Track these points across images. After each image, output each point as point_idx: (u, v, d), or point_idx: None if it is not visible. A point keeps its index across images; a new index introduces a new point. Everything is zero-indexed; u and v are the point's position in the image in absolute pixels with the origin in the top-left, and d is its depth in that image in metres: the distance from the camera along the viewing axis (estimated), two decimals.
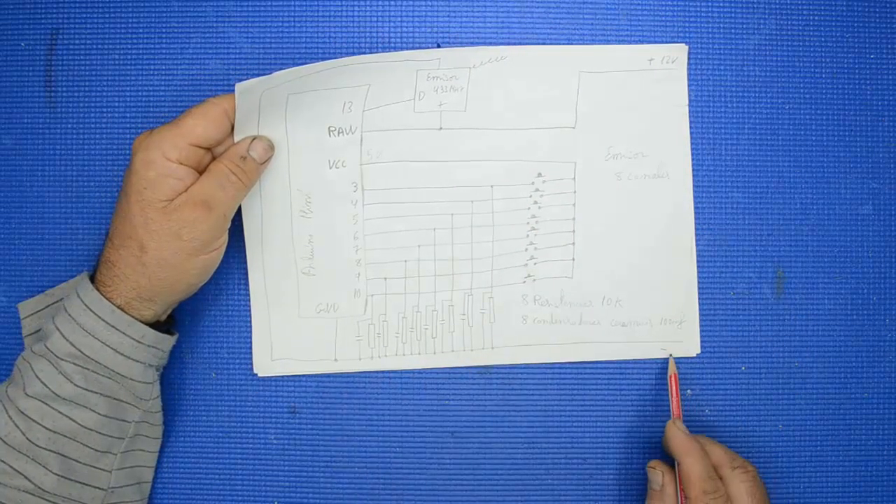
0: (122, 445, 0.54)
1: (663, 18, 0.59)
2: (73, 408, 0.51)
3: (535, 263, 0.59)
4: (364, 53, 0.58)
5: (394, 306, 0.59)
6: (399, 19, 0.59)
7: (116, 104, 0.59)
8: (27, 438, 0.51)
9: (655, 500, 0.54)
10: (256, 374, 0.59)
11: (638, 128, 0.59)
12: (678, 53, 0.58)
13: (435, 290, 0.59)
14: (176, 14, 0.59)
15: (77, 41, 0.59)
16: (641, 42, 0.59)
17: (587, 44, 0.59)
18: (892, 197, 0.60)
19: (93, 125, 0.59)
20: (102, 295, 0.52)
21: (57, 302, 0.57)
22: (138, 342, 0.52)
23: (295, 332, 0.59)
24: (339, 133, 0.57)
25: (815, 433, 0.60)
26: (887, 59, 0.60)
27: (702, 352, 0.59)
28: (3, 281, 0.59)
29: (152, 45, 0.59)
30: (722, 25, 0.60)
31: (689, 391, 0.60)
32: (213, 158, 0.53)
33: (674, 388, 0.57)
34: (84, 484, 0.52)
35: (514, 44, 0.59)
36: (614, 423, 0.59)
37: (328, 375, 0.59)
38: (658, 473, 0.54)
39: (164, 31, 0.59)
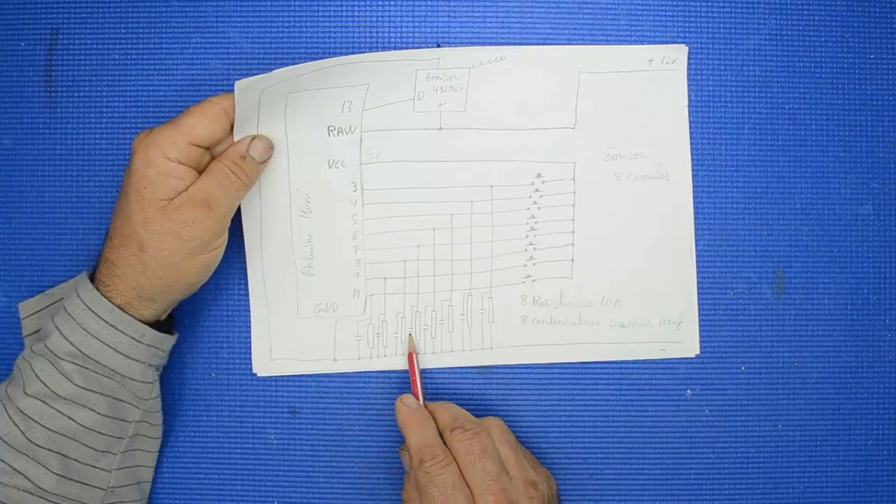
0: (122, 445, 0.54)
1: (663, 18, 0.59)
2: (73, 407, 0.51)
3: (534, 264, 0.59)
4: (364, 53, 0.58)
5: (393, 306, 0.59)
6: (399, 19, 0.59)
7: (116, 104, 0.59)
8: (27, 438, 0.51)
9: (406, 483, 0.53)
10: (256, 375, 0.59)
11: (638, 128, 0.59)
12: (678, 54, 0.58)
13: (434, 290, 0.59)
14: (176, 14, 0.59)
15: (77, 41, 0.59)
16: (641, 42, 0.59)
17: (587, 44, 0.59)
18: (892, 197, 0.60)
19: (93, 125, 0.59)
20: (102, 294, 0.52)
21: (57, 302, 0.57)
22: (138, 341, 0.52)
23: (294, 331, 0.59)
24: (338, 133, 0.57)
25: (814, 433, 0.60)
26: (887, 59, 0.60)
27: (701, 352, 0.59)
28: (3, 281, 0.59)
29: (152, 45, 0.59)
30: (722, 25, 0.60)
31: (689, 391, 0.59)
32: (213, 158, 0.53)
33: (410, 366, 0.57)
34: (84, 483, 0.52)
35: (514, 44, 0.59)
36: (614, 423, 0.59)
37: (328, 375, 0.59)
38: (406, 455, 0.53)
39: (164, 31, 0.59)
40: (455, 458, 0.51)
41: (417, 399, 0.56)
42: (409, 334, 0.59)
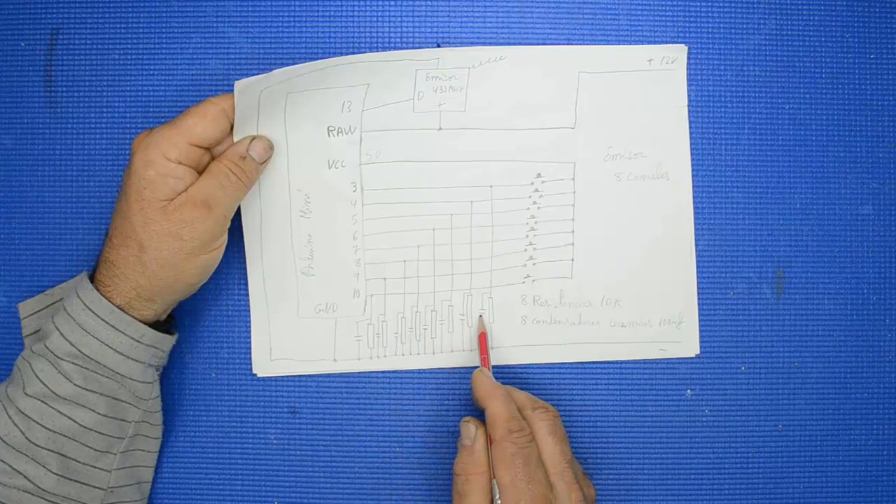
0: (122, 445, 0.54)
1: (663, 18, 0.59)
2: (73, 407, 0.51)
3: (534, 264, 0.59)
4: (364, 53, 0.58)
5: (393, 306, 0.59)
6: (399, 19, 0.59)
7: (116, 104, 0.59)
8: (27, 438, 0.51)
9: (465, 456, 0.52)
10: (256, 375, 0.59)
11: (637, 128, 0.59)
12: (677, 54, 0.58)
13: (434, 290, 0.59)
14: (176, 14, 0.59)
15: (77, 41, 0.59)
16: (641, 42, 0.59)
17: (587, 44, 0.59)
18: (892, 197, 0.60)
19: (93, 125, 0.59)
20: (102, 295, 0.52)
21: (57, 302, 0.57)
22: (137, 342, 0.52)
23: (294, 332, 0.59)
24: (338, 133, 0.57)
25: (815, 433, 0.60)
26: (887, 59, 0.60)
27: (701, 352, 0.59)
28: (3, 281, 0.59)
29: (152, 45, 0.59)
30: (722, 25, 0.60)
31: (689, 391, 0.60)
32: (213, 158, 0.53)
33: (482, 344, 0.57)
34: (83, 484, 0.52)
35: (514, 44, 0.59)
36: (614, 423, 0.59)
37: (328, 375, 0.59)
38: (471, 427, 0.52)
39: (164, 31, 0.59)
40: (534, 434, 0.51)
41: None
42: (480, 316, 0.59)
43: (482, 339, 0.57)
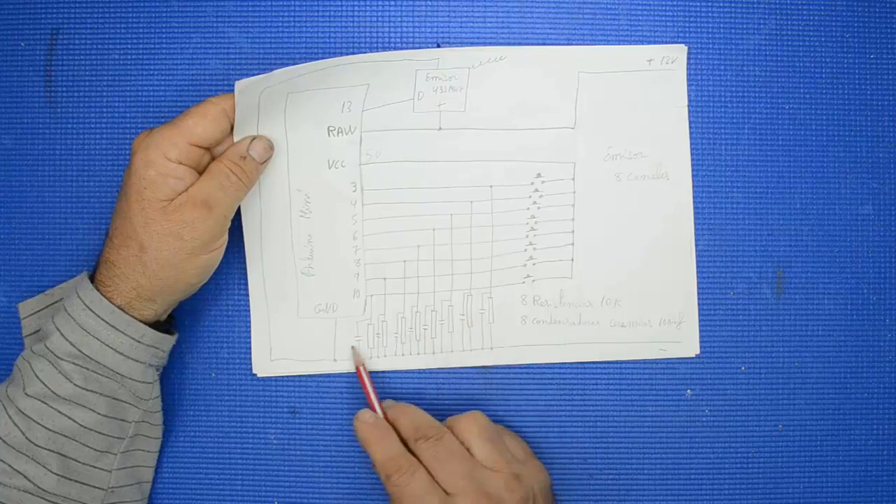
0: (122, 445, 0.54)
1: (663, 18, 0.59)
2: (73, 407, 0.51)
3: (534, 264, 0.59)
4: (364, 53, 0.58)
5: (393, 306, 0.59)
6: (399, 19, 0.59)
7: (116, 104, 0.59)
8: (27, 438, 0.51)
9: None
10: (256, 375, 0.59)
11: (637, 128, 0.59)
12: (677, 54, 0.58)
13: (434, 290, 0.59)
14: (176, 14, 0.59)
15: (77, 41, 0.59)
16: (641, 42, 0.59)
17: (587, 44, 0.59)
18: (892, 197, 0.60)
19: (93, 125, 0.59)
20: (102, 295, 0.52)
21: (57, 302, 0.57)
22: (138, 342, 0.52)
23: (294, 332, 0.59)
24: (338, 133, 0.57)
25: (814, 433, 0.60)
26: (887, 59, 0.60)
27: (701, 352, 0.59)
28: (3, 281, 0.59)
29: (152, 45, 0.59)
30: (722, 25, 0.59)
31: (689, 391, 0.60)
32: (213, 158, 0.53)
33: (361, 378, 0.57)
34: (84, 484, 0.52)
35: (514, 44, 0.59)
36: (614, 423, 0.59)
37: (328, 375, 0.59)
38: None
39: (164, 31, 0.59)
40: (425, 467, 0.51)
41: (375, 411, 0.55)
42: (353, 347, 0.59)
43: (359, 374, 0.57)
